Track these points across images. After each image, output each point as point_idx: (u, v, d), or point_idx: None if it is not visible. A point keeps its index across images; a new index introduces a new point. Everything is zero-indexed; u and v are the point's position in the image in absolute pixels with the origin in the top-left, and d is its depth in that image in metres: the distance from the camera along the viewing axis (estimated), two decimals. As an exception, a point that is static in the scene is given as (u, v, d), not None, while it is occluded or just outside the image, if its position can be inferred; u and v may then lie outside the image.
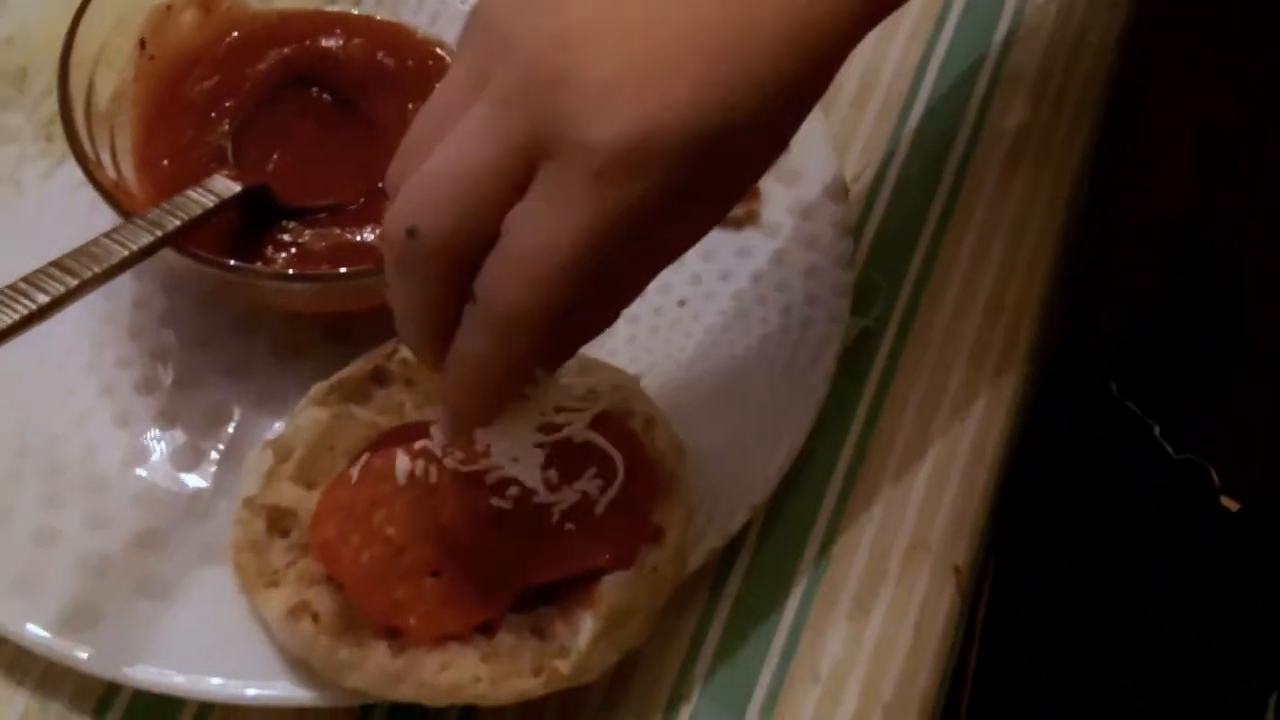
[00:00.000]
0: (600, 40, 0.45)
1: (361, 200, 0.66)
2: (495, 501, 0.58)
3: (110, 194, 0.61)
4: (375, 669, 0.56)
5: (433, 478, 0.58)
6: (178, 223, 0.60)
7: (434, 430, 0.56)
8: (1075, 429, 1.00)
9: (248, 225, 0.65)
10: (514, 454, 0.56)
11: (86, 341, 0.66)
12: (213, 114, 0.68)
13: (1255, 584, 0.98)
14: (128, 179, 0.65)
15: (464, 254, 0.46)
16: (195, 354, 0.67)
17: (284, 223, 0.66)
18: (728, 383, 0.66)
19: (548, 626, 0.57)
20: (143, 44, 0.68)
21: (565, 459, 0.59)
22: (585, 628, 0.57)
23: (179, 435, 0.65)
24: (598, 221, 0.45)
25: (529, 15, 0.46)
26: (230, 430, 0.65)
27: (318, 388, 0.62)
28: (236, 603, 0.59)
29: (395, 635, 0.57)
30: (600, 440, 0.59)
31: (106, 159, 0.64)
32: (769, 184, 0.71)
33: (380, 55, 0.70)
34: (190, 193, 0.62)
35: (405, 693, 0.56)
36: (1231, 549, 0.99)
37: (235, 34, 0.70)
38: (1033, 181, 0.74)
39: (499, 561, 0.57)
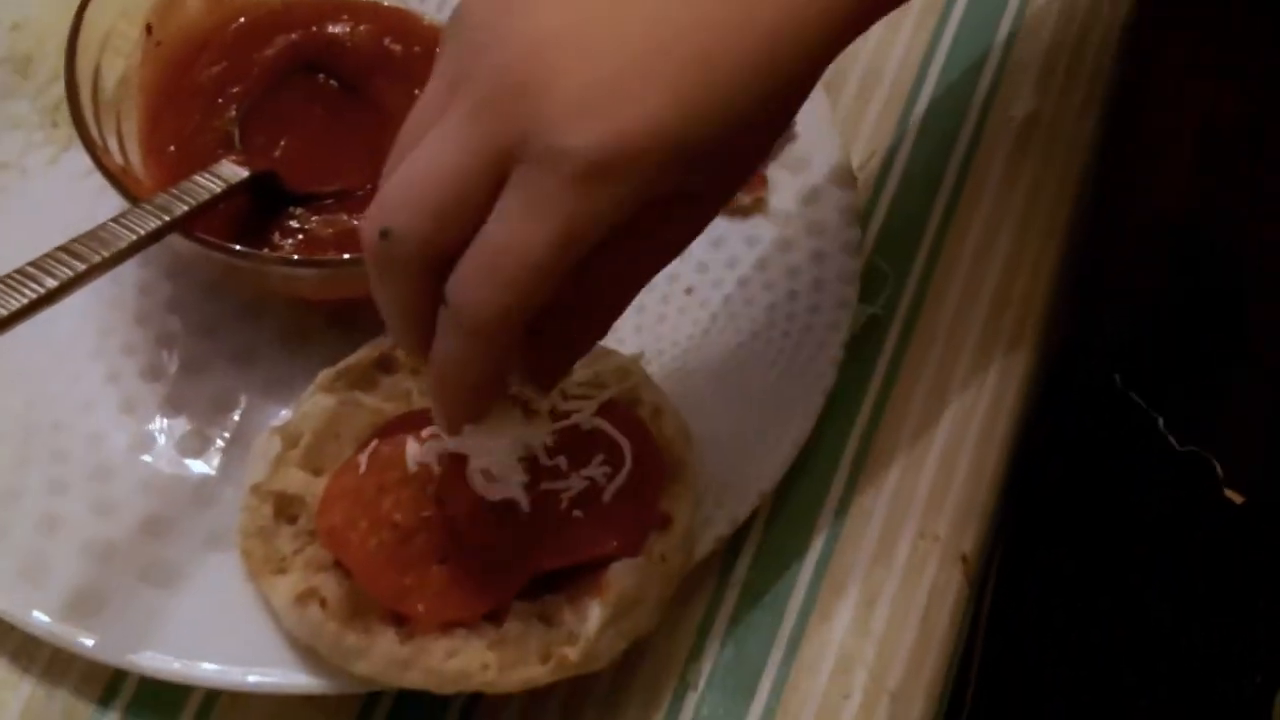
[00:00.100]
0: (576, 47, 0.45)
1: (368, 186, 0.66)
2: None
3: (117, 179, 0.61)
4: (383, 655, 0.56)
5: (440, 465, 0.58)
6: (185, 208, 0.60)
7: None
8: (1080, 422, 1.00)
9: (255, 211, 0.65)
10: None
11: (92, 328, 0.66)
12: (219, 100, 0.68)
13: (1259, 577, 0.98)
14: (134, 164, 0.65)
15: (438, 256, 0.46)
16: (201, 340, 0.67)
17: (291, 209, 0.66)
18: (735, 370, 0.66)
19: (556, 614, 0.57)
20: (149, 29, 0.68)
21: (573, 446, 0.59)
22: (593, 615, 0.56)
23: (185, 422, 0.65)
24: (569, 227, 0.45)
25: (507, 18, 0.46)
26: (236, 417, 0.65)
27: (325, 374, 0.62)
28: (243, 589, 0.59)
29: (403, 622, 0.57)
30: (608, 428, 0.59)
31: (113, 145, 0.64)
32: (776, 171, 0.70)
33: (387, 41, 0.70)
34: (198, 178, 0.62)
35: (413, 679, 0.56)
36: (1235, 542, 0.99)
37: (242, 20, 0.70)
38: (1040, 171, 0.74)
39: (507, 549, 0.57)
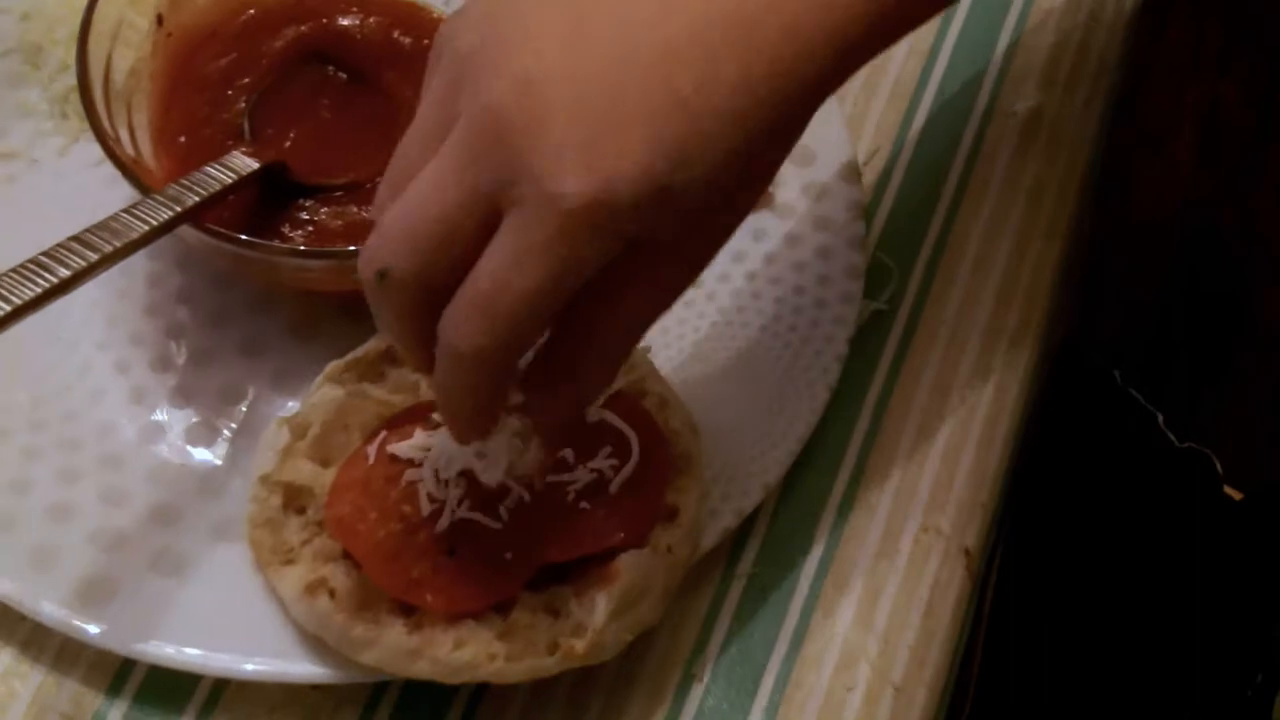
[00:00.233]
0: (567, 90, 0.46)
1: (377, 178, 0.66)
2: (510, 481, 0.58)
3: (129, 170, 0.61)
4: (390, 646, 0.56)
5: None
6: (197, 199, 0.60)
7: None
8: (1079, 417, 1.00)
9: (264, 203, 0.65)
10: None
11: (102, 318, 0.67)
12: (229, 91, 0.68)
13: (1259, 574, 0.98)
14: (145, 155, 0.65)
15: (435, 290, 0.48)
16: (210, 331, 0.67)
17: (300, 200, 0.66)
18: (741, 363, 0.66)
19: (562, 605, 0.58)
20: (160, 20, 0.68)
21: (580, 439, 0.59)
22: (600, 606, 0.57)
23: (194, 412, 0.65)
24: (554, 271, 0.46)
25: (499, 53, 0.47)
26: (244, 408, 0.65)
27: (333, 366, 0.62)
28: (251, 579, 0.60)
29: (411, 612, 0.57)
30: (615, 420, 0.60)
31: (124, 135, 0.64)
32: (783, 166, 0.70)
33: (397, 34, 0.70)
34: (209, 169, 0.63)
35: (420, 670, 0.56)
36: (1235, 538, 0.99)
37: (252, 11, 0.70)
38: (1043, 167, 0.74)
39: (514, 540, 0.58)
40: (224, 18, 0.70)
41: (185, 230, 0.60)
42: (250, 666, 0.58)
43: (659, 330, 0.66)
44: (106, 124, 0.63)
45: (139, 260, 0.65)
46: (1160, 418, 1.01)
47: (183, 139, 0.67)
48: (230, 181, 0.63)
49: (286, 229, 0.65)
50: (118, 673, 0.60)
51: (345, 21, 0.71)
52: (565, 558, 0.58)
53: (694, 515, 0.60)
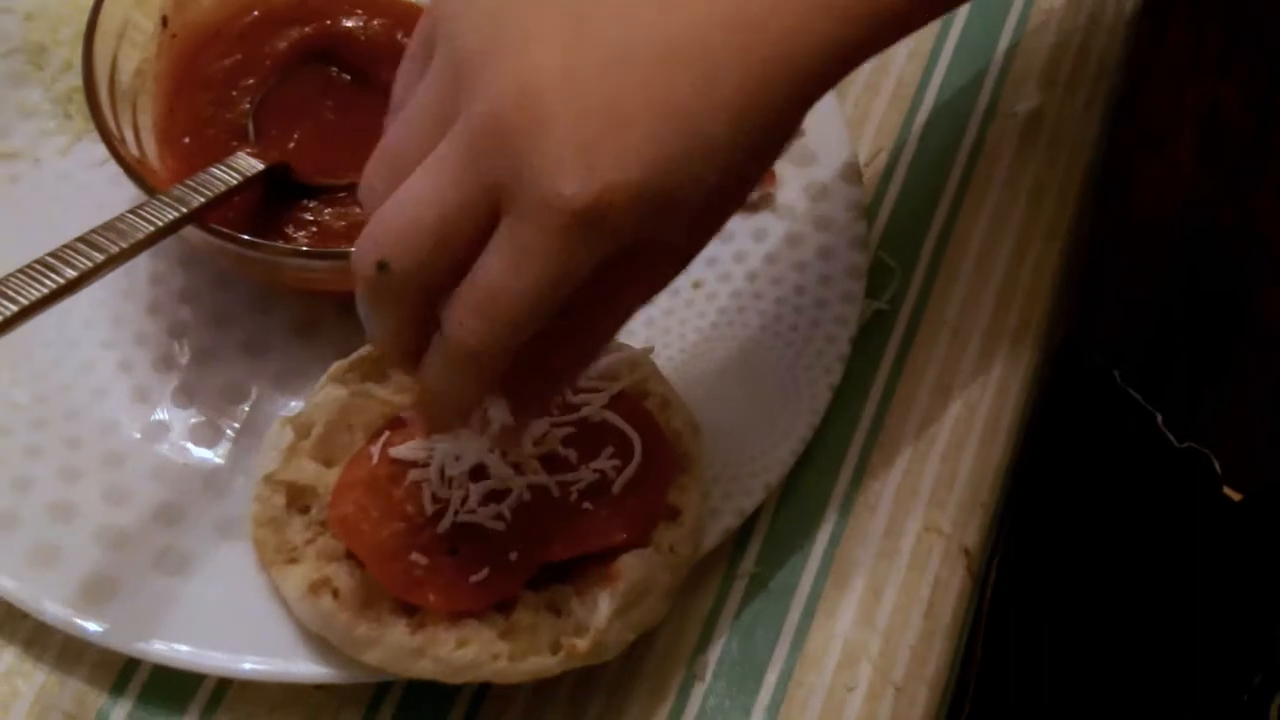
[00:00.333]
0: (566, 94, 0.46)
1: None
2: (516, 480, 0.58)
3: (134, 170, 0.61)
4: (393, 645, 0.56)
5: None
6: (202, 200, 0.60)
7: None
8: (1079, 417, 1.00)
9: (267, 203, 0.66)
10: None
11: (104, 317, 0.67)
12: (233, 91, 0.69)
13: (1258, 575, 0.98)
14: (149, 155, 0.65)
15: (432, 287, 0.48)
16: (213, 331, 0.67)
17: (304, 201, 0.66)
18: (743, 364, 0.66)
19: (565, 604, 0.58)
20: (165, 21, 0.68)
21: (583, 438, 0.59)
22: (602, 606, 0.57)
23: (197, 411, 0.65)
24: (552, 274, 0.46)
25: (499, 55, 0.47)
26: (247, 408, 0.66)
27: (337, 365, 0.63)
28: (254, 579, 0.60)
29: (413, 612, 0.57)
30: (618, 420, 0.60)
31: (129, 135, 0.64)
32: (784, 167, 0.71)
33: (400, 35, 0.70)
34: (214, 170, 0.63)
35: (423, 669, 0.57)
36: (1234, 539, 0.99)
37: (256, 12, 0.71)
38: (1044, 167, 0.74)
39: (516, 540, 0.58)
40: (228, 19, 0.70)
41: (189, 230, 0.60)
42: (253, 666, 0.58)
43: (660, 330, 0.67)
44: (112, 124, 0.63)
45: (142, 259, 0.65)
46: (1160, 418, 1.01)
47: (187, 139, 0.67)
48: (235, 182, 0.63)
49: (290, 229, 0.65)
50: (121, 672, 0.60)
51: (349, 23, 0.71)
52: (567, 557, 0.58)
53: (696, 515, 0.60)
